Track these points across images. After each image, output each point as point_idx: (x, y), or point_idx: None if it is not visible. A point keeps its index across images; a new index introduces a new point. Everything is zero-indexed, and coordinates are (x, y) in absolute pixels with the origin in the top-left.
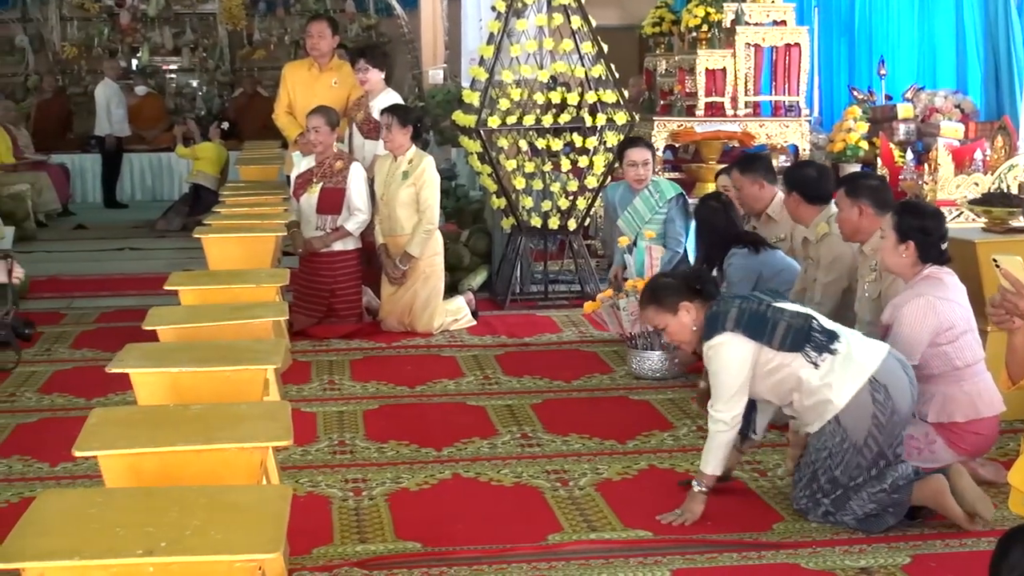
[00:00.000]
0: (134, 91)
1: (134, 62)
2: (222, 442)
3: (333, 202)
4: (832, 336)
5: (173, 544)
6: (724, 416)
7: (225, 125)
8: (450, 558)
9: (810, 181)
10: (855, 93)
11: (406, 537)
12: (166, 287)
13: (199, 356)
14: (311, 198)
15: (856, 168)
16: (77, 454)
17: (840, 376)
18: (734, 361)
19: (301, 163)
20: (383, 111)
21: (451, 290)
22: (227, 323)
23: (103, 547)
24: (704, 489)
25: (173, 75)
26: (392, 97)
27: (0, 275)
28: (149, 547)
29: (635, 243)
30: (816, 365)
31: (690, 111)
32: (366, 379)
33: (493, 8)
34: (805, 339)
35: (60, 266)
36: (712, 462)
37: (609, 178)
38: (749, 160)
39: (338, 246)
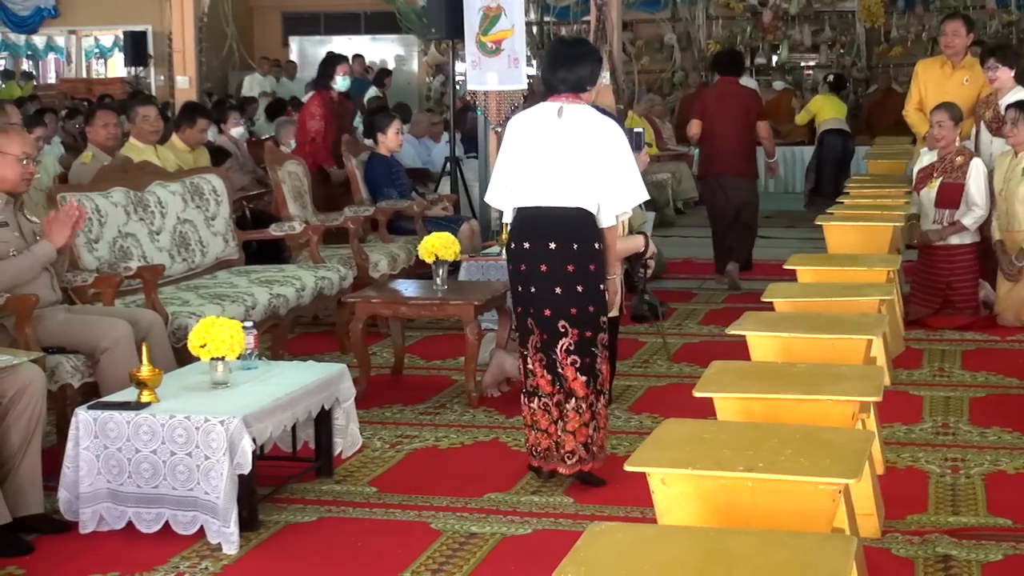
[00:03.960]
0: (772, 87)
1: (774, 59)
2: (820, 394)
3: (951, 196)
4: None
5: (769, 465)
6: None
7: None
8: None
9: None
10: None
11: (998, 514)
12: (785, 266)
13: (808, 324)
14: (930, 192)
15: None
16: (696, 394)
17: None
18: None
19: (924, 158)
20: (1008, 106)
21: None
22: (836, 299)
23: (711, 462)
24: None
25: (810, 71)
26: (1022, 95)
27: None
28: (749, 465)
29: None
30: None
31: None
32: (976, 368)
33: None
34: None
35: (694, 250)
36: None
37: None
38: None
39: (955, 240)
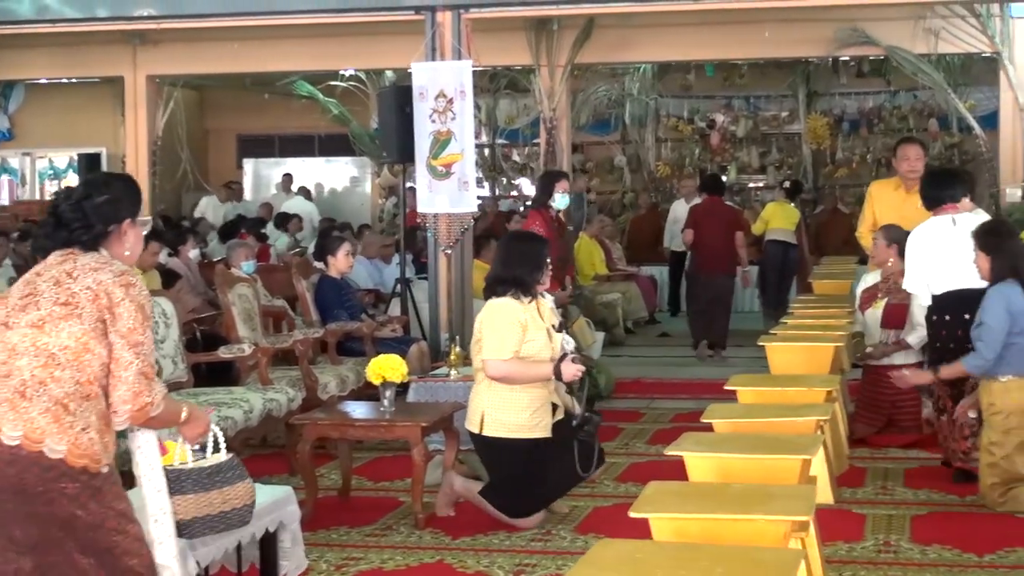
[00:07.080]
0: None
1: (723, 180)
2: (752, 514)
3: (897, 317)
4: None
5: None
6: None
7: None
8: None
9: None
10: None
11: None
12: (726, 387)
13: (745, 445)
14: (876, 312)
15: None
16: (632, 515)
17: None
18: None
19: (867, 278)
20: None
21: None
22: (774, 420)
23: None
24: None
25: (758, 192)
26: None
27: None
28: None
29: None
30: None
31: None
32: (918, 487)
33: None
34: None
35: (643, 370)
36: None
37: None
38: None
39: (899, 359)
